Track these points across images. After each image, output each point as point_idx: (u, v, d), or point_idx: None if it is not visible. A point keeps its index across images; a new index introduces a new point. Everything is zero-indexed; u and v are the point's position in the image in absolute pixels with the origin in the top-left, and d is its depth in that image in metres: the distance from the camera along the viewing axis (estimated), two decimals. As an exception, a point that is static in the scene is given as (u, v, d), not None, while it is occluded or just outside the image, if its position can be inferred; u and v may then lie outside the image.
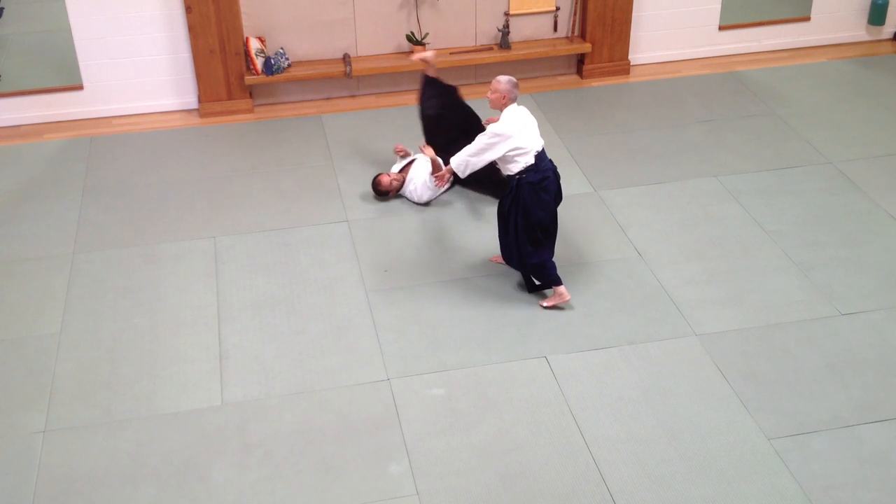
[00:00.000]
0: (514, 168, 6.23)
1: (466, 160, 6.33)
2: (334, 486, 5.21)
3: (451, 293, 6.58)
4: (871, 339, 6.17)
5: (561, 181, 6.45)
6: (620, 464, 5.32)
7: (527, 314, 6.39)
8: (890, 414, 5.61)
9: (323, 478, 5.27)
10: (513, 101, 6.24)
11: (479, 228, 7.25)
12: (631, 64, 9.54)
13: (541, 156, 6.24)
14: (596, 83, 9.34)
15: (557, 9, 9.24)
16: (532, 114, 6.35)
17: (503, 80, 6.21)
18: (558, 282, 6.42)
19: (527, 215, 6.28)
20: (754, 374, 5.90)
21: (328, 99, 9.15)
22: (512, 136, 6.15)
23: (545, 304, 6.45)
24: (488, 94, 6.27)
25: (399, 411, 5.68)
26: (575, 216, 7.31)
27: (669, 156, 8.15)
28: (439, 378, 5.91)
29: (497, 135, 6.17)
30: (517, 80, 6.34)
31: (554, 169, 6.35)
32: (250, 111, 8.94)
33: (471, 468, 5.31)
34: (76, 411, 5.71)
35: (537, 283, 6.55)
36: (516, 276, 6.70)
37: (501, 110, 6.27)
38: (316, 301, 6.56)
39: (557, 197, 6.44)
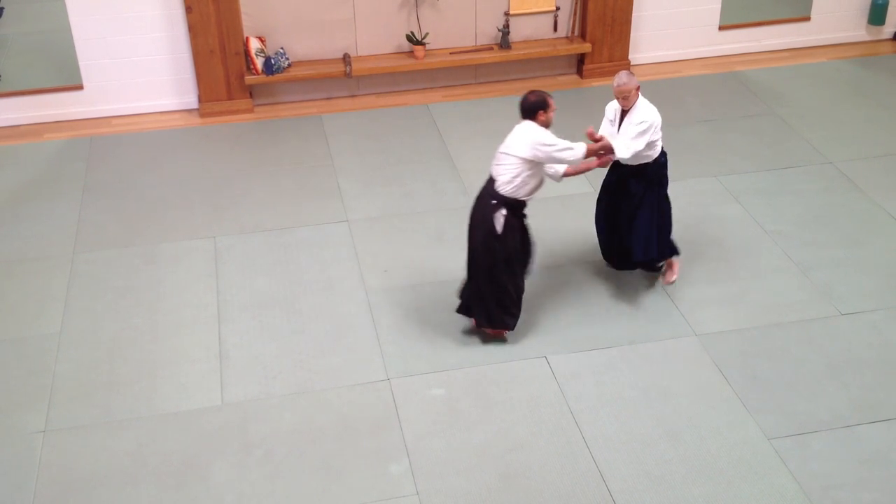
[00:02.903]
0: (653, 153, 6.27)
1: (629, 145, 6.13)
2: (334, 486, 5.21)
3: (451, 293, 6.58)
4: (871, 339, 6.16)
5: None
6: (620, 464, 5.31)
7: (527, 314, 6.38)
8: (890, 414, 5.61)
9: (323, 478, 5.27)
10: None
11: (479, 228, 7.25)
12: (631, 64, 9.53)
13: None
14: (596, 83, 9.33)
15: (557, 9, 9.23)
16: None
17: (626, 75, 6.10)
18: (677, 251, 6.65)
19: (666, 196, 6.45)
20: (754, 374, 5.90)
21: (328, 99, 9.15)
22: (659, 122, 6.18)
23: (672, 278, 6.64)
24: (622, 93, 6.09)
25: (399, 411, 5.68)
26: (575, 216, 7.30)
27: (669, 156, 8.10)
28: (439, 378, 5.90)
29: (647, 122, 6.11)
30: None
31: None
32: (250, 111, 8.94)
33: (471, 468, 5.31)
34: (76, 411, 5.71)
35: (659, 264, 6.68)
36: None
37: (633, 103, 6.17)
38: (316, 301, 6.55)
39: None
